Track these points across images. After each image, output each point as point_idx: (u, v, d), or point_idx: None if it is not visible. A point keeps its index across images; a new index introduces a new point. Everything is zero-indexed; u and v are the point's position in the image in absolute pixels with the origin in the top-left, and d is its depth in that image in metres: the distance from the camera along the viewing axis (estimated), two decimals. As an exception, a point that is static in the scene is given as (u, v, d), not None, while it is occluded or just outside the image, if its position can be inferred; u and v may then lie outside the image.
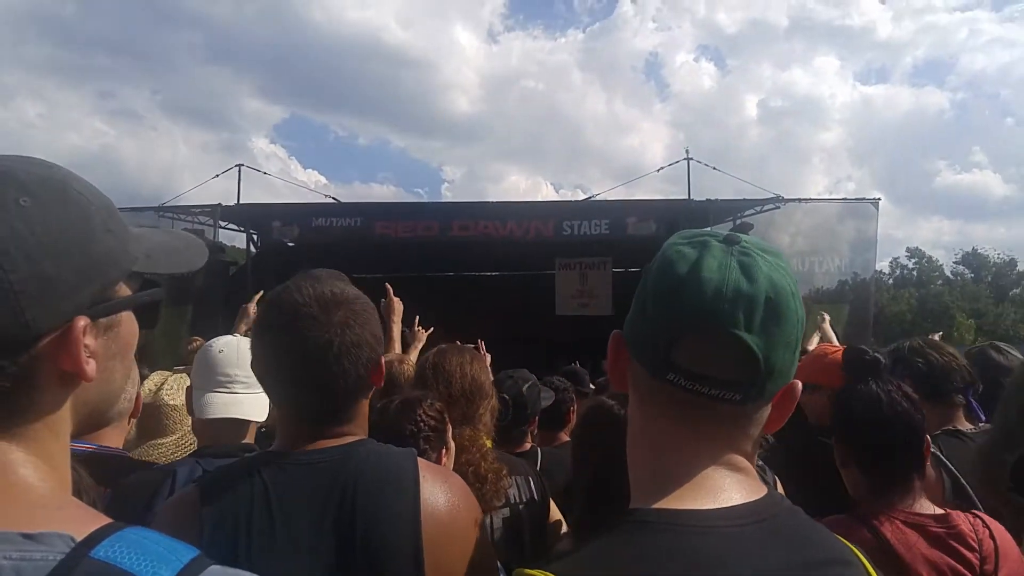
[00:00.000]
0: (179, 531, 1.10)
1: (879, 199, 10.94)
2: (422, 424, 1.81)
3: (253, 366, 1.41)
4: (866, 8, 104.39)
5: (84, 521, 0.66)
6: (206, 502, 1.27)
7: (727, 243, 0.83)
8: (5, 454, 0.68)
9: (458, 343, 2.55)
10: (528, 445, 2.92)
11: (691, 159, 11.28)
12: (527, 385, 2.91)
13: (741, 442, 0.85)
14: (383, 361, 1.44)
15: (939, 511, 1.69)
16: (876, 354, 2.05)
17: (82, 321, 0.71)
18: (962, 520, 1.64)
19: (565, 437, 3.36)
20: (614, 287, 12.75)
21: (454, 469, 1.82)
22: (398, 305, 3.42)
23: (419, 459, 1.38)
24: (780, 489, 2.02)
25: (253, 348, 1.41)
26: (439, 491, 1.35)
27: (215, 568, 0.68)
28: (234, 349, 2.05)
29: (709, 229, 0.91)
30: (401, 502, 1.30)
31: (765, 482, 0.87)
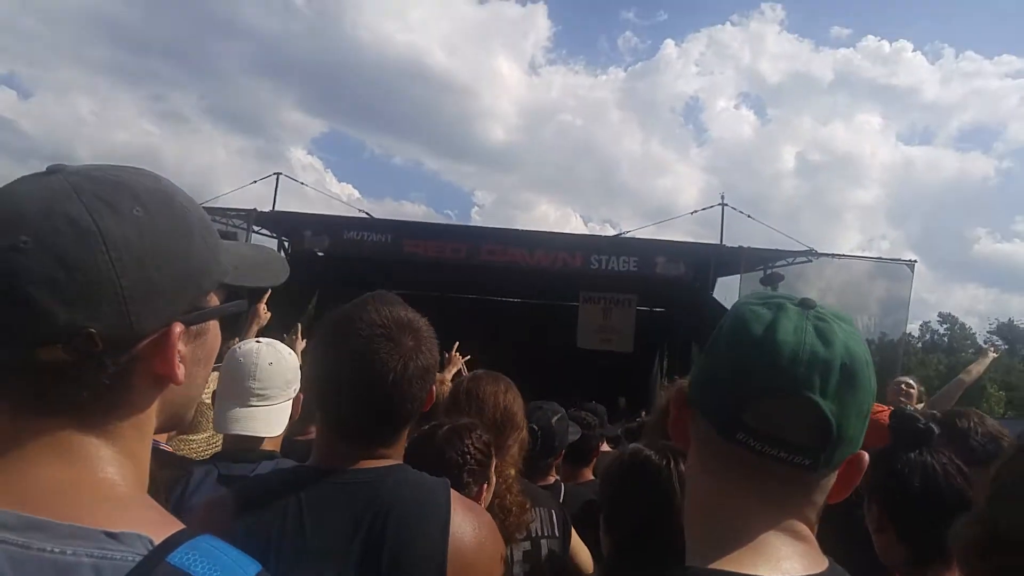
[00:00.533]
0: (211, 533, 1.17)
1: (915, 261, 10.78)
2: (468, 457, 1.79)
3: (308, 379, 1.42)
4: (914, 68, 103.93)
5: (161, 524, 0.68)
6: (242, 510, 1.28)
7: (803, 307, 0.83)
8: (96, 450, 0.70)
9: (492, 372, 2.50)
10: (552, 479, 2.88)
11: (726, 204, 11.20)
12: (556, 417, 2.86)
13: (806, 509, 0.83)
14: (435, 388, 1.46)
15: None
16: (929, 423, 1.96)
17: (178, 327, 0.74)
18: None
19: (589, 474, 3.31)
20: (637, 325, 12.67)
21: None
22: (458, 361, 3.44)
23: (452, 490, 1.39)
24: None
25: (312, 362, 1.41)
26: (468, 525, 1.35)
27: None
28: (253, 358, 2.02)
29: (781, 292, 0.91)
30: (431, 532, 1.30)
31: None
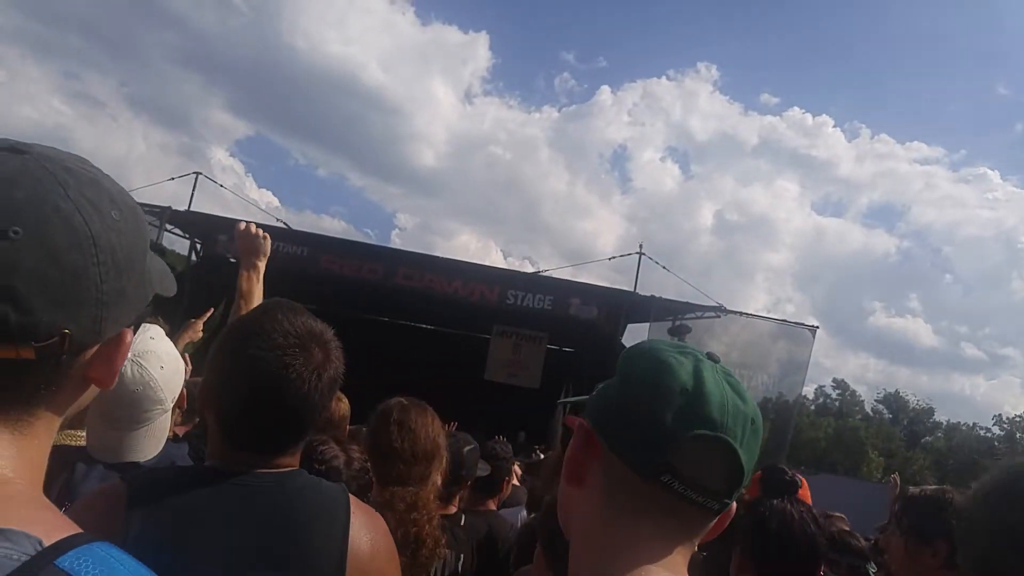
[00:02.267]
0: (104, 525, 1.16)
1: (817, 327, 11.27)
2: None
3: (208, 387, 1.37)
4: (833, 143, 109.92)
5: (54, 525, 0.64)
6: (135, 503, 1.23)
7: (712, 360, 0.88)
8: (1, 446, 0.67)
9: (415, 401, 2.48)
10: (454, 508, 2.86)
11: (643, 254, 11.48)
12: (468, 448, 2.89)
13: (691, 548, 0.87)
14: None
15: None
16: (794, 476, 2.09)
17: (129, 335, 0.73)
18: None
19: (492, 505, 3.35)
20: (546, 362, 12.74)
21: (400, 526, 1.88)
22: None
23: (350, 496, 1.40)
24: None
25: (215, 371, 1.37)
26: (365, 530, 1.37)
27: None
28: (130, 383, 1.83)
29: (687, 342, 0.94)
30: (332, 536, 1.32)
31: None
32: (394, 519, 1.96)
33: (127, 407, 1.82)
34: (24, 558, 0.58)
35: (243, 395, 1.32)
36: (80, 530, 0.65)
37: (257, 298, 2.32)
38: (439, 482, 2.28)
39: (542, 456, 7.32)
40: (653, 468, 0.81)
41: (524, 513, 3.77)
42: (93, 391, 0.75)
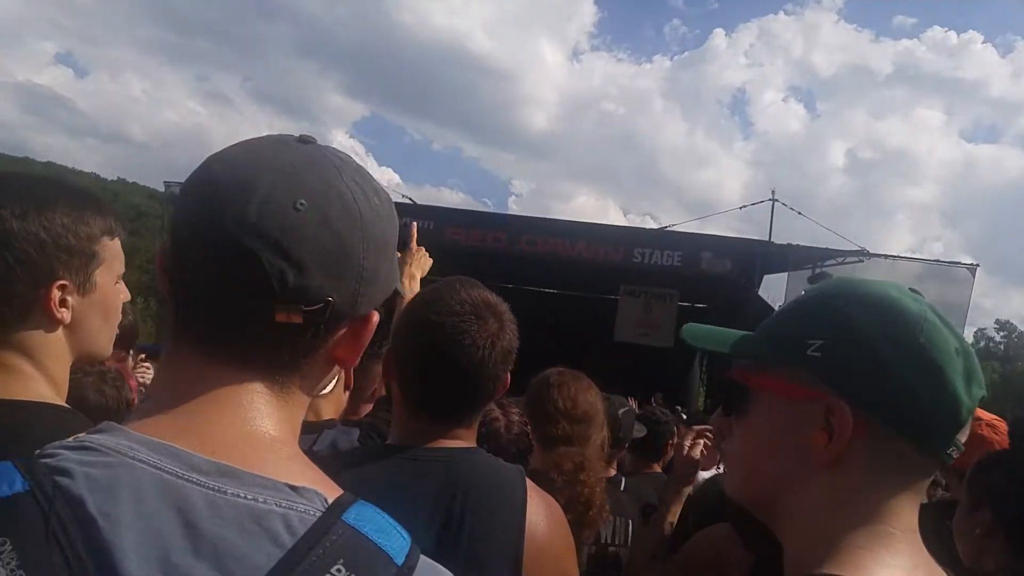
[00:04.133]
0: None
1: (976, 265, 10.35)
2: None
3: (391, 354, 1.45)
4: (983, 61, 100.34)
5: (326, 483, 0.70)
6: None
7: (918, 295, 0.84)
8: (276, 409, 0.72)
9: (567, 369, 2.55)
10: (612, 471, 2.89)
11: (776, 200, 10.90)
12: (623, 411, 2.90)
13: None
14: (509, 376, 1.48)
15: None
16: None
17: (376, 317, 0.77)
18: None
19: (658, 468, 3.40)
20: (678, 320, 12.45)
21: (567, 486, 1.99)
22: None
23: (527, 479, 1.41)
24: None
25: (397, 335, 1.42)
26: (542, 515, 1.38)
27: (424, 560, 0.71)
28: None
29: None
30: (509, 522, 1.32)
31: None
32: (561, 479, 2.04)
33: None
34: (317, 512, 0.64)
35: (420, 358, 1.40)
36: (340, 489, 0.71)
37: None
38: (600, 447, 2.31)
39: (684, 416, 7.16)
40: (946, 443, 0.77)
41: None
42: (334, 373, 0.80)
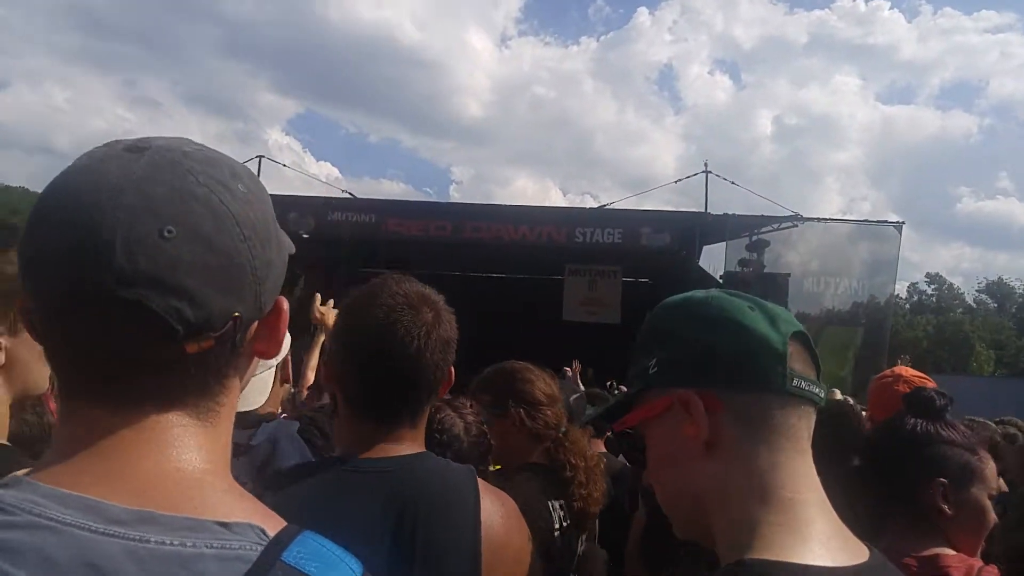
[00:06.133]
0: None
1: (902, 223, 10.75)
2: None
3: (328, 356, 1.43)
4: (891, 26, 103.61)
5: (265, 515, 0.66)
6: (267, 492, 1.24)
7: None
8: (197, 438, 0.67)
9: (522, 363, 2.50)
10: None
11: (710, 172, 11.11)
12: (574, 396, 2.90)
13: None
14: (453, 370, 1.46)
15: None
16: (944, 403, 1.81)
17: (285, 303, 0.73)
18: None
19: (601, 447, 3.54)
20: (624, 296, 12.62)
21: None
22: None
23: (478, 479, 1.39)
24: None
25: (333, 336, 1.43)
26: (496, 512, 1.36)
27: None
28: None
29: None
30: (463, 522, 1.30)
31: None
32: (578, 463, 2.16)
33: None
34: (255, 548, 0.60)
35: (354, 355, 1.37)
36: (283, 520, 0.66)
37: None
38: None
39: (617, 391, 7.27)
40: (784, 378, 0.83)
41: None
42: (256, 364, 0.76)
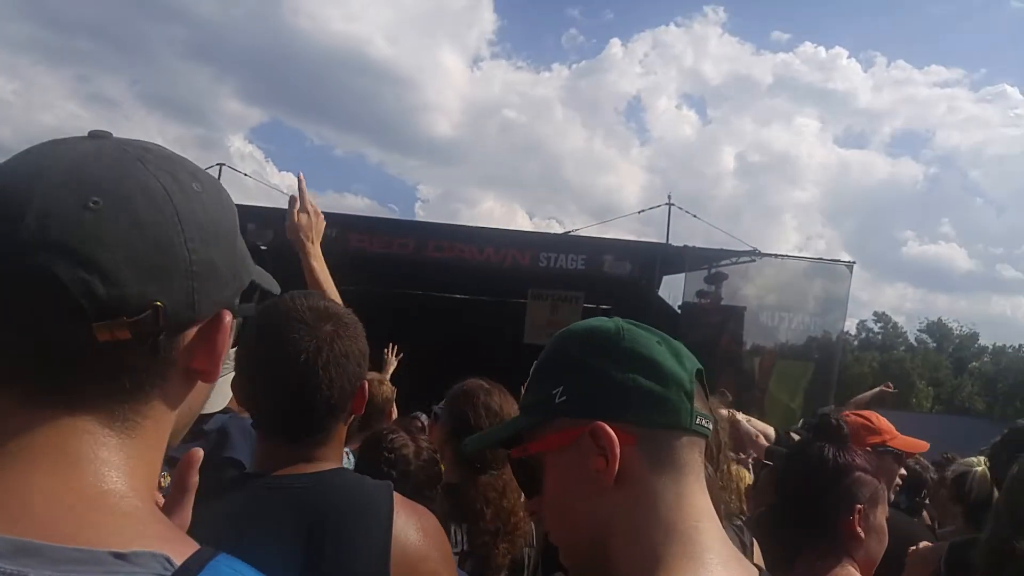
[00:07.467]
0: None
1: (853, 263, 11.06)
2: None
3: (238, 377, 1.39)
4: (849, 74, 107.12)
5: (175, 540, 0.59)
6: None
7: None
8: (109, 452, 0.61)
9: (490, 382, 2.49)
10: None
11: (672, 204, 11.34)
12: None
13: None
14: (366, 384, 1.42)
15: None
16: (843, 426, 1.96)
17: (228, 316, 0.68)
18: None
19: None
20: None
21: (497, 515, 2.01)
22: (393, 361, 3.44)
23: (395, 493, 1.36)
24: (757, 551, 1.97)
25: (239, 358, 1.39)
26: (412, 527, 1.33)
27: None
28: None
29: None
30: (374, 537, 1.27)
31: (743, 544, 0.91)
32: (492, 511, 2.09)
33: None
34: None
35: (251, 374, 1.36)
36: (196, 544, 0.60)
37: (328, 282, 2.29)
38: None
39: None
40: (691, 415, 0.87)
41: None
42: (202, 390, 0.71)
